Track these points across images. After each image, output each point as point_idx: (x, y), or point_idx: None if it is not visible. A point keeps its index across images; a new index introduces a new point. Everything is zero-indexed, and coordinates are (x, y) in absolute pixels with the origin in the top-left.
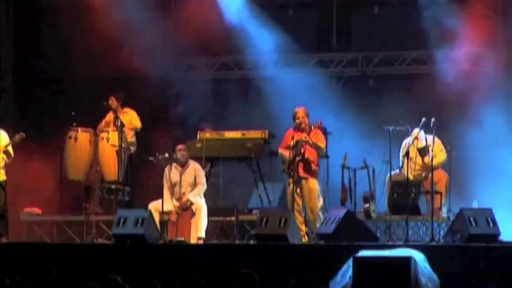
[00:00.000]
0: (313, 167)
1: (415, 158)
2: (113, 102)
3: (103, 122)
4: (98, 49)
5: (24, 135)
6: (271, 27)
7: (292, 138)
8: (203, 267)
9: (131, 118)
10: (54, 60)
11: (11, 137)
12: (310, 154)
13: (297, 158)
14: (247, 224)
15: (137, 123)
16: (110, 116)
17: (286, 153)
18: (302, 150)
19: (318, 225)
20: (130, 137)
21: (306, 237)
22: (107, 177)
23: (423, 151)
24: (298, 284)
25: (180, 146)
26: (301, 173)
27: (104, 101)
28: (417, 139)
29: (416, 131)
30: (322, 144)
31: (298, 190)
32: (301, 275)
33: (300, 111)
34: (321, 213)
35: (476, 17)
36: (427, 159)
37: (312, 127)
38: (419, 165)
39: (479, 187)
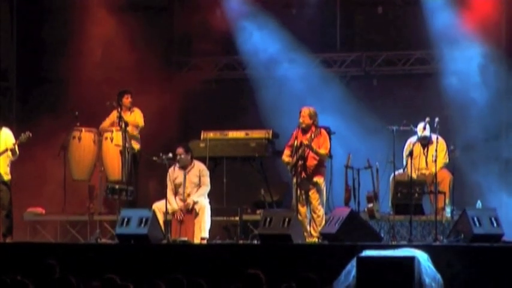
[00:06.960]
0: (318, 167)
1: (419, 158)
2: (127, 100)
3: (107, 121)
4: (101, 49)
5: (30, 134)
6: (274, 26)
7: (296, 138)
8: (207, 267)
9: (135, 116)
10: (58, 60)
11: (15, 136)
12: (313, 158)
13: (300, 162)
14: (251, 223)
15: (140, 121)
16: (114, 115)
17: (289, 160)
18: (305, 154)
19: (319, 225)
20: (134, 132)
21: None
22: (110, 177)
23: (425, 140)
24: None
25: (179, 150)
26: (304, 175)
27: (107, 101)
28: (424, 129)
29: (421, 124)
30: (324, 151)
31: (302, 192)
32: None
33: (303, 111)
34: (322, 213)
35: (479, 16)
36: (428, 159)
37: (312, 135)
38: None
39: (483, 187)
